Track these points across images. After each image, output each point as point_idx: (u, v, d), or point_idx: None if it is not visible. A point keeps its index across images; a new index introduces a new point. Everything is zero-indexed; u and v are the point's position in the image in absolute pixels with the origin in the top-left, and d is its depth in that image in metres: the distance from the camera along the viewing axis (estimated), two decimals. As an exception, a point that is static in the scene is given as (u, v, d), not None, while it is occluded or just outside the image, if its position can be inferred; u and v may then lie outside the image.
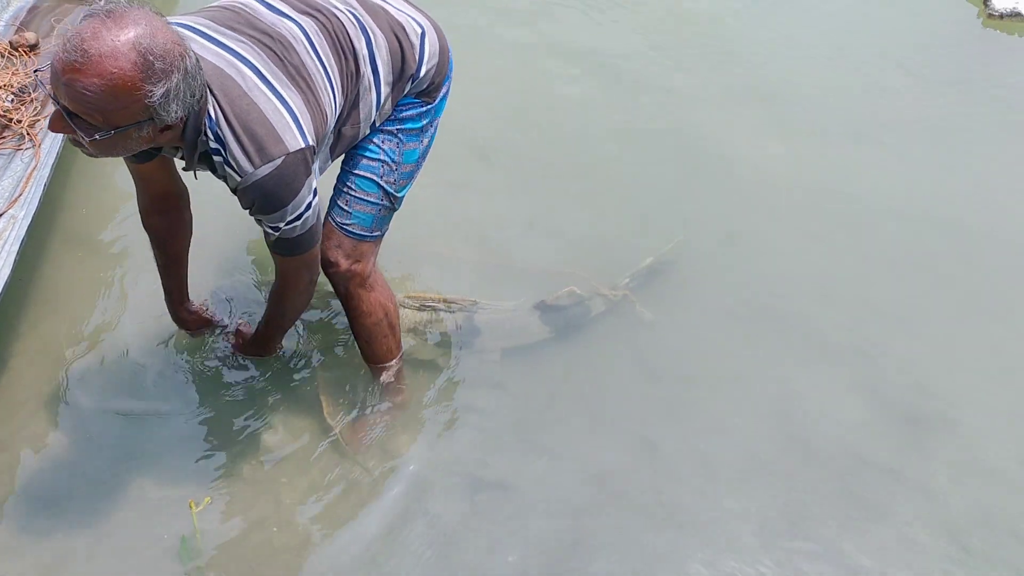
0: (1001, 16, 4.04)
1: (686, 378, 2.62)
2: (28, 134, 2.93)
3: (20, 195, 2.70)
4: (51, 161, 2.65)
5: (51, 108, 3.06)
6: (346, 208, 2.14)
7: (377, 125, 2.10)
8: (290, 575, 2.11)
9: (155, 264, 2.31)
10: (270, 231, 1.90)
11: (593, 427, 2.47)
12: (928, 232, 3.09)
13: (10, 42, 3.25)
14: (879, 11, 4.21)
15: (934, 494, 2.38)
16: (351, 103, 2.00)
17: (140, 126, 1.63)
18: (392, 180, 2.13)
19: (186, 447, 2.32)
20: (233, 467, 2.27)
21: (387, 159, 2.11)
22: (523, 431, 2.44)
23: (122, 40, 1.53)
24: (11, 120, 2.96)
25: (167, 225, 2.21)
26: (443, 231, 2.92)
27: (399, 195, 2.17)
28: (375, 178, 2.12)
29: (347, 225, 2.15)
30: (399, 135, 2.11)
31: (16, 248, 2.38)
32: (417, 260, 2.80)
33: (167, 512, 2.17)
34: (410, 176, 2.18)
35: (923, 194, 3.24)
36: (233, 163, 1.76)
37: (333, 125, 1.95)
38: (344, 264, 2.16)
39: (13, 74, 3.09)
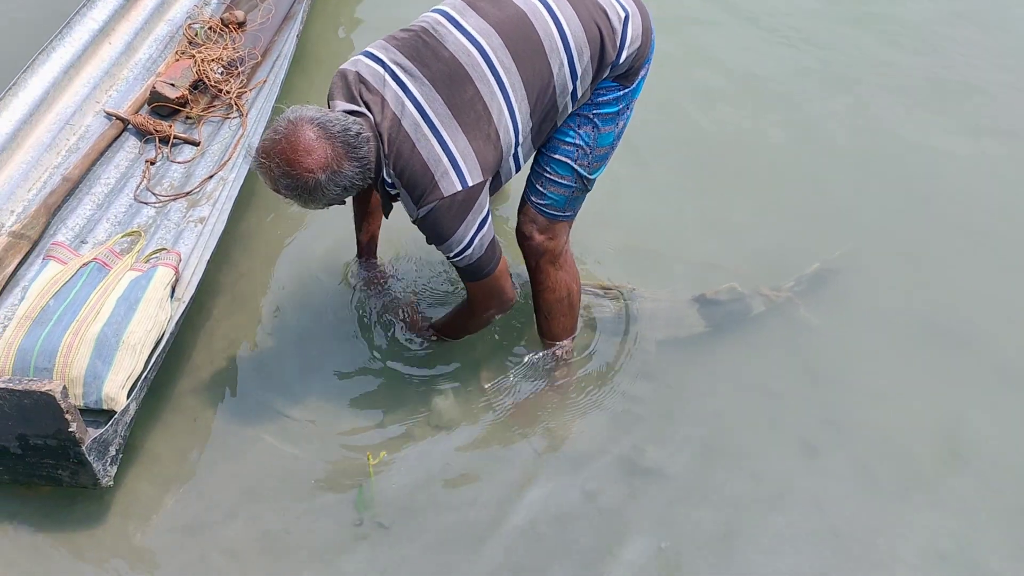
0: None
1: (848, 386, 2.57)
2: (236, 104, 3.19)
3: (229, 159, 2.94)
4: (259, 129, 2.87)
5: (256, 80, 3.31)
6: (542, 189, 2.23)
7: (572, 110, 2.16)
8: (453, 532, 2.22)
9: (353, 223, 2.59)
10: (448, 257, 2.11)
11: (749, 423, 2.47)
12: None
13: (221, 19, 3.53)
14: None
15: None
16: (548, 103, 2.07)
17: (342, 192, 1.99)
18: (586, 163, 2.20)
19: (366, 405, 2.48)
20: (407, 426, 2.42)
21: (582, 143, 2.17)
22: (678, 421, 2.47)
23: (307, 167, 1.91)
24: (221, 91, 3.22)
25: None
26: (611, 219, 2.97)
27: (592, 177, 2.24)
28: (570, 161, 2.19)
29: (542, 205, 2.24)
30: (595, 119, 2.16)
31: (228, 207, 2.61)
32: (584, 245, 2.85)
33: (348, 461, 2.33)
34: (604, 159, 2.23)
35: None
36: (404, 203, 2.06)
37: (522, 131, 2.07)
38: (538, 238, 2.27)
39: (224, 49, 3.37)
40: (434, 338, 2.56)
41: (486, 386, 2.50)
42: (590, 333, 2.64)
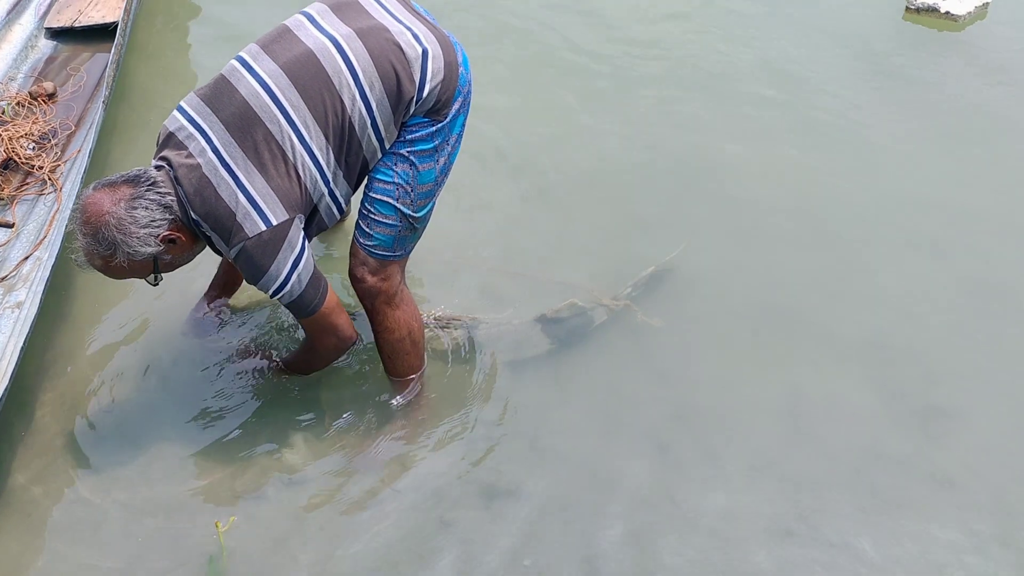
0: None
1: (693, 380, 2.67)
2: (50, 179, 3.07)
3: (44, 238, 2.83)
4: (72, 204, 2.76)
5: (70, 153, 3.20)
6: (368, 230, 2.24)
7: (387, 148, 2.18)
8: (314, 588, 2.18)
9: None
10: (270, 295, 2.16)
11: (602, 431, 2.53)
12: (929, 219, 3.14)
13: (29, 92, 3.40)
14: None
15: (947, 485, 2.41)
16: (347, 139, 2.11)
17: (154, 264, 2.13)
18: (409, 202, 2.21)
19: (209, 468, 2.41)
20: (256, 486, 2.36)
21: (401, 181, 2.18)
22: (534, 439, 2.50)
23: (86, 247, 2.08)
24: (33, 167, 3.10)
25: None
26: (441, 247, 2.97)
27: (418, 215, 2.24)
28: (391, 201, 2.20)
29: (370, 246, 2.24)
30: (411, 157, 2.17)
31: (42, 288, 2.49)
32: (419, 274, 2.87)
33: (194, 533, 2.25)
34: (428, 196, 2.24)
35: (930, 182, 3.29)
36: (218, 244, 2.13)
37: (327, 168, 2.11)
38: (370, 280, 2.27)
39: (34, 123, 3.25)
40: (284, 377, 2.56)
41: (333, 427, 2.48)
42: (437, 366, 2.64)
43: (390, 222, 2.22)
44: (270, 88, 2.07)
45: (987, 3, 4.14)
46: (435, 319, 2.70)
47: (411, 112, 2.14)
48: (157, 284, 2.20)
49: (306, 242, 2.14)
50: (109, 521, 2.30)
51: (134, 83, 3.65)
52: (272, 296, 2.15)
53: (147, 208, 2.03)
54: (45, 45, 3.67)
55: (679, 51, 3.96)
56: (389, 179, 2.19)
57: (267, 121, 2.06)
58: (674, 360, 2.72)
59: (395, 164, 2.18)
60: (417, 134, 2.16)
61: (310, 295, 2.16)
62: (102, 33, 3.65)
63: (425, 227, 2.32)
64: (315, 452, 2.44)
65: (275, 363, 2.57)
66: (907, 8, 4.15)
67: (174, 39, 3.97)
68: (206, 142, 2.06)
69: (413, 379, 2.52)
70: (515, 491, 2.38)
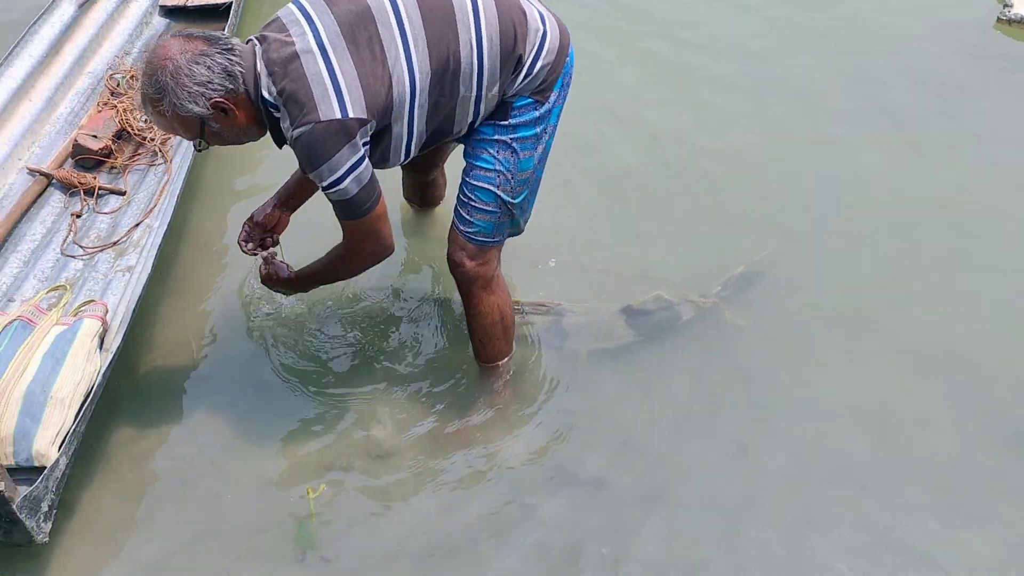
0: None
1: (778, 383, 2.64)
2: (160, 151, 3.21)
3: (154, 206, 2.95)
4: (182, 175, 2.89)
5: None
6: (468, 217, 2.27)
7: (484, 114, 2.17)
8: (396, 561, 2.24)
9: None
10: (322, 188, 2.09)
11: (682, 427, 2.53)
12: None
13: (143, 67, 3.54)
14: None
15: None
16: (448, 77, 2.08)
17: (201, 128, 2.06)
18: (508, 189, 2.24)
19: (299, 438, 2.49)
20: (344, 459, 2.43)
21: (502, 169, 2.21)
22: (614, 430, 2.52)
23: (141, 86, 2.06)
24: (145, 138, 3.24)
25: None
26: (535, 235, 3.01)
27: (516, 201, 2.27)
28: (492, 188, 2.23)
29: (470, 233, 2.29)
30: (513, 144, 2.20)
31: (153, 254, 2.61)
32: (506, 262, 2.90)
33: (287, 497, 2.34)
34: (526, 183, 2.27)
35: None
36: (281, 125, 2.06)
37: (419, 91, 2.07)
38: (469, 265, 2.31)
39: (146, 96, 3.37)
40: (300, 289, 2.45)
41: (419, 405, 2.54)
42: (523, 351, 2.68)
43: (490, 208, 2.26)
44: (396, 3, 2.06)
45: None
46: (521, 305, 2.73)
47: (518, 82, 2.14)
48: (200, 150, 2.16)
49: (367, 152, 2.08)
50: (202, 482, 2.40)
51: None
52: (325, 190, 2.07)
53: (209, 68, 1.98)
54: (159, 22, 3.83)
55: (772, 57, 3.92)
56: (491, 166, 2.22)
57: (380, 24, 2.03)
58: (759, 362, 2.70)
59: (497, 151, 2.21)
60: (521, 119, 2.18)
61: (362, 198, 2.09)
62: (212, 13, 3.78)
63: (525, 215, 2.35)
64: (401, 429, 2.51)
65: (291, 273, 2.40)
66: (998, 19, 4.03)
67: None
68: (311, 29, 2.01)
69: (501, 364, 2.56)
70: (595, 480, 2.40)
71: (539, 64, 2.14)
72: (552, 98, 2.21)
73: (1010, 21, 4.00)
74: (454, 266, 2.34)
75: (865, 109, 3.62)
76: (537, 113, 2.19)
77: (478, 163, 2.23)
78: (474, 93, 2.13)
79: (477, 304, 2.39)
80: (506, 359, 2.56)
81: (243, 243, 2.44)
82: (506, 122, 2.18)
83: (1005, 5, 4.04)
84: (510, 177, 2.23)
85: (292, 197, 2.49)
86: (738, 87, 3.77)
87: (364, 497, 2.36)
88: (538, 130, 2.21)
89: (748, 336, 2.76)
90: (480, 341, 2.49)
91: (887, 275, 2.93)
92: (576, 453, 2.47)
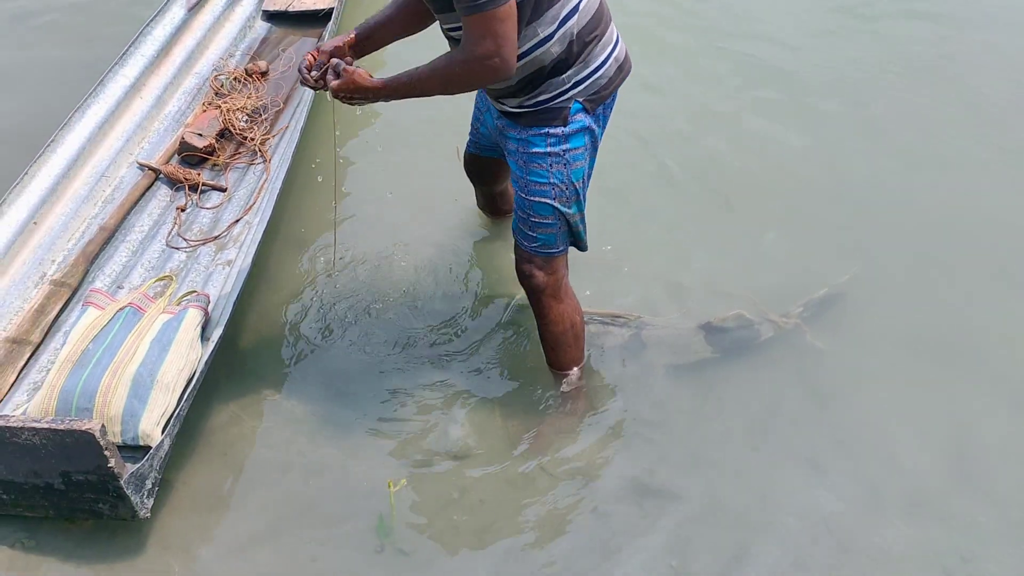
0: None
1: (857, 407, 2.63)
2: (260, 151, 3.36)
3: (254, 203, 3.10)
4: (280, 175, 3.02)
5: (279, 127, 3.47)
6: (530, 233, 2.35)
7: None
8: (471, 557, 2.32)
9: None
10: None
11: (757, 445, 2.54)
12: None
13: (245, 69, 3.71)
14: None
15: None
16: None
17: None
18: (564, 200, 2.30)
19: (384, 433, 2.59)
20: (424, 455, 2.52)
21: (556, 181, 2.27)
22: (688, 444, 2.55)
23: None
24: (246, 138, 3.39)
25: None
26: (618, 248, 3.08)
27: (571, 211, 2.33)
28: (548, 201, 2.29)
29: (535, 247, 2.36)
30: (566, 156, 2.25)
31: (253, 249, 2.75)
32: (589, 274, 2.95)
33: (368, 489, 2.44)
34: (579, 193, 2.33)
35: None
36: None
37: None
38: (539, 276, 2.38)
39: (248, 97, 3.54)
40: (386, 95, 2.15)
41: (497, 409, 2.61)
42: (600, 361, 2.74)
43: (549, 221, 2.32)
44: None
45: None
46: (602, 316, 2.78)
47: (581, 71, 2.15)
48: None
49: None
50: (291, 470, 2.52)
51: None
52: None
53: None
54: (261, 27, 4.01)
55: (871, 67, 3.89)
56: (545, 179, 2.27)
57: None
58: (838, 384, 2.69)
59: (551, 165, 2.26)
60: (574, 128, 2.21)
61: None
62: (312, 19, 3.94)
63: (583, 224, 2.39)
64: (479, 430, 2.59)
65: (375, 80, 2.14)
66: None
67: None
68: None
69: (574, 371, 2.62)
70: (667, 492, 2.44)
71: (605, 66, 2.18)
72: (599, 111, 2.26)
73: None
74: (523, 277, 2.42)
75: (969, 129, 3.56)
76: (585, 124, 2.23)
77: (532, 178, 2.28)
78: None
79: (548, 313, 2.46)
80: (579, 366, 2.62)
81: (305, 70, 2.22)
82: (559, 131, 2.21)
83: None
84: (564, 188, 2.28)
85: (367, 39, 2.31)
86: (839, 99, 3.75)
87: (442, 494, 2.44)
88: (587, 141, 2.27)
89: (827, 358, 2.75)
90: (552, 349, 2.56)
91: (972, 303, 2.89)
92: (649, 464, 2.51)
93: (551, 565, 2.29)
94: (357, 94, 2.15)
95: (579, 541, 2.33)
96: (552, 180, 2.27)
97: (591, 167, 2.35)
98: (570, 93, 2.17)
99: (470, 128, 2.71)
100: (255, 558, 2.33)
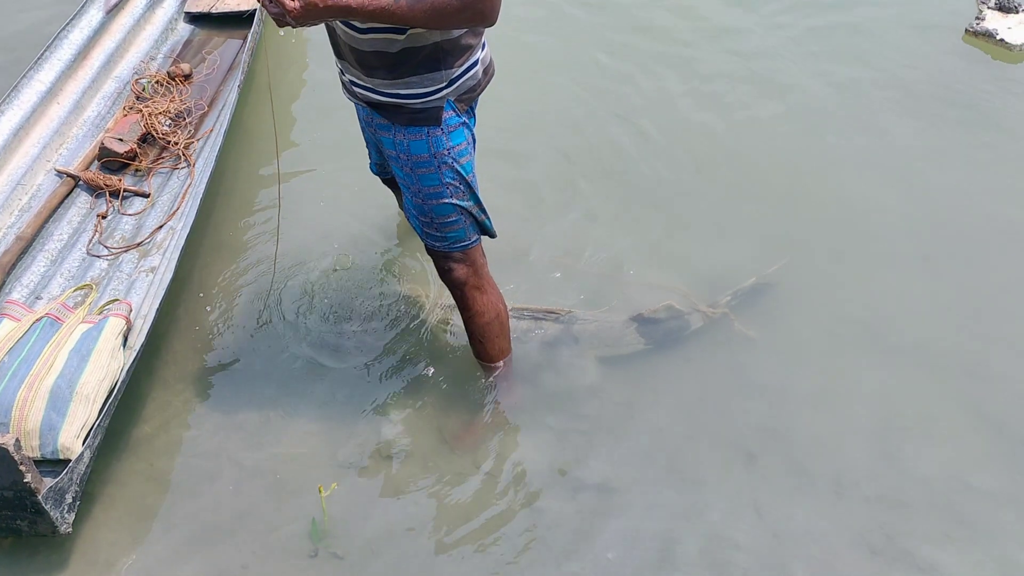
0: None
1: (786, 394, 2.68)
2: (183, 155, 3.29)
3: (178, 209, 3.03)
4: (204, 179, 2.97)
5: (203, 131, 3.41)
6: (438, 233, 2.32)
7: None
8: (405, 558, 2.30)
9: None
10: None
11: (691, 435, 2.57)
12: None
13: (168, 72, 3.63)
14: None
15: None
16: None
17: None
18: (461, 195, 2.28)
19: (315, 437, 2.56)
20: (356, 457, 2.50)
21: (449, 181, 2.25)
22: (622, 436, 2.57)
23: None
24: (169, 142, 3.32)
25: None
26: (544, 242, 3.10)
27: (471, 203, 2.30)
28: (446, 200, 2.26)
29: (448, 245, 2.34)
30: (451, 153, 2.22)
31: (176, 256, 2.69)
32: (518, 270, 2.97)
33: (300, 494, 2.40)
34: (471, 185, 2.29)
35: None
36: None
37: None
38: (459, 270, 2.38)
39: (171, 101, 3.47)
40: (346, 12, 1.95)
41: (429, 407, 2.59)
42: (532, 356, 2.74)
43: (453, 219, 2.30)
44: None
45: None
46: (533, 312, 2.79)
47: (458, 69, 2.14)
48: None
49: None
50: (220, 478, 2.47)
51: (261, 68, 3.86)
52: None
53: None
54: (183, 29, 3.92)
55: (739, 68, 3.98)
56: (438, 182, 2.24)
57: None
58: (767, 372, 2.74)
59: (439, 167, 2.22)
60: (454, 124, 2.19)
61: None
62: (236, 20, 3.87)
63: (484, 212, 2.35)
64: (412, 429, 2.57)
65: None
66: (966, 31, 4.10)
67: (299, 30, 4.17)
68: None
69: (504, 362, 2.62)
70: (602, 485, 2.45)
71: (478, 65, 2.17)
72: (469, 109, 2.24)
73: (976, 34, 4.05)
74: (443, 273, 2.41)
75: (871, 124, 3.66)
76: (462, 119, 2.22)
77: (424, 183, 2.25)
78: None
79: (472, 305, 2.46)
80: (507, 357, 2.63)
81: None
82: (438, 131, 2.17)
83: (977, 18, 4.10)
84: (459, 184, 2.26)
85: None
86: (765, 91, 3.82)
87: (375, 495, 2.42)
88: (468, 136, 2.25)
89: (757, 347, 2.80)
90: (479, 341, 2.56)
91: (896, 290, 2.96)
92: (583, 457, 2.52)
93: (485, 563, 2.28)
94: (320, 10, 1.95)
95: (514, 538, 2.33)
96: (444, 180, 2.25)
97: (473, 157, 2.31)
98: (444, 92, 2.14)
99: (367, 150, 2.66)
100: (184, 570, 2.28)
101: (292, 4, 1.93)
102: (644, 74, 3.91)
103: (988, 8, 4.13)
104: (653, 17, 4.26)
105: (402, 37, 2.05)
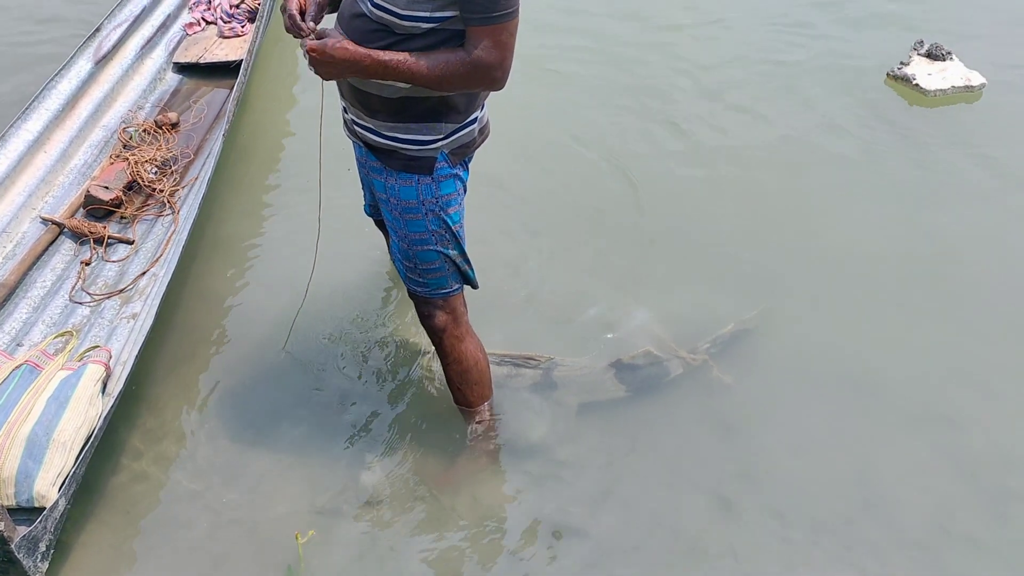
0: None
1: (764, 441, 2.70)
2: (168, 202, 3.32)
3: (160, 255, 3.06)
4: (188, 227, 3.00)
5: (188, 179, 3.45)
6: (420, 279, 2.37)
7: None
8: (383, 607, 2.29)
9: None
10: None
11: (668, 482, 2.58)
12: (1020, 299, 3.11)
13: (155, 121, 3.69)
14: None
15: (1017, 567, 2.38)
16: None
17: None
18: (445, 243, 2.32)
19: (293, 483, 2.55)
20: (334, 503, 2.49)
21: (435, 228, 2.29)
22: (600, 482, 2.57)
23: None
24: (155, 190, 3.36)
25: None
26: (525, 289, 3.14)
27: (456, 252, 2.35)
28: (431, 248, 2.31)
29: (430, 291, 2.38)
30: (439, 202, 2.27)
31: (157, 302, 2.71)
32: (499, 317, 2.99)
33: (277, 543, 2.39)
34: (458, 236, 2.34)
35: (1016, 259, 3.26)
36: None
37: None
38: (439, 317, 2.41)
39: (157, 150, 3.52)
40: (361, 71, 2.04)
41: (408, 452, 2.60)
42: (512, 402, 2.75)
43: (436, 266, 2.35)
44: None
45: (951, 89, 4.20)
46: (513, 358, 2.81)
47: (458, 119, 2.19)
48: None
49: None
50: (196, 527, 2.46)
51: (248, 119, 3.92)
52: None
53: None
54: (172, 78, 3.99)
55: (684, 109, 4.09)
56: (424, 228, 2.29)
57: None
58: (745, 419, 2.75)
59: (427, 214, 2.28)
60: (445, 175, 2.25)
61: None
62: (223, 70, 3.94)
63: (468, 262, 2.40)
64: (390, 475, 2.57)
65: (360, 53, 2.02)
66: (888, 74, 4.32)
67: (288, 80, 4.25)
68: None
69: (483, 408, 2.63)
70: (580, 531, 2.45)
71: (476, 123, 2.23)
72: (463, 163, 2.29)
73: (896, 78, 4.28)
74: (424, 319, 2.44)
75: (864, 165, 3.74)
76: (454, 170, 2.27)
77: (411, 229, 2.30)
78: None
79: (451, 352, 2.48)
80: (487, 403, 2.64)
81: (298, 14, 2.05)
82: (428, 179, 2.23)
83: (902, 63, 4.31)
84: (444, 232, 2.31)
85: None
86: (745, 138, 3.91)
87: (352, 542, 2.41)
88: (458, 187, 2.30)
89: (735, 393, 2.82)
90: (459, 388, 2.57)
91: (875, 337, 2.99)
92: (561, 504, 2.52)
93: (463, 611, 2.28)
94: (332, 64, 2.03)
95: (492, 585, 2.32)
96: (431, 228, 2.29)
97: (463, 207, 2.36)
98: (440, 143, 2.20)
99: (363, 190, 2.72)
100: (157, 620, 2.26)
101: (313, 45, 2.02)
102: (615, 122, 4.00)
103: (918, 55, 4.35)
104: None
105: (408, 86, 2.10)
